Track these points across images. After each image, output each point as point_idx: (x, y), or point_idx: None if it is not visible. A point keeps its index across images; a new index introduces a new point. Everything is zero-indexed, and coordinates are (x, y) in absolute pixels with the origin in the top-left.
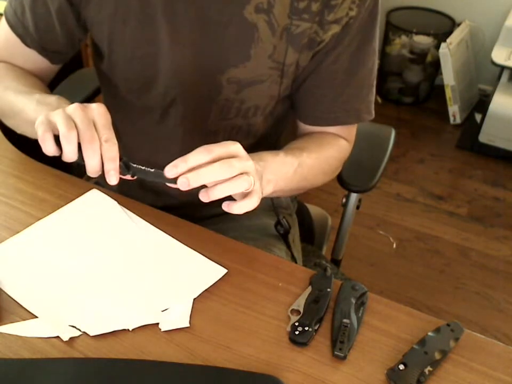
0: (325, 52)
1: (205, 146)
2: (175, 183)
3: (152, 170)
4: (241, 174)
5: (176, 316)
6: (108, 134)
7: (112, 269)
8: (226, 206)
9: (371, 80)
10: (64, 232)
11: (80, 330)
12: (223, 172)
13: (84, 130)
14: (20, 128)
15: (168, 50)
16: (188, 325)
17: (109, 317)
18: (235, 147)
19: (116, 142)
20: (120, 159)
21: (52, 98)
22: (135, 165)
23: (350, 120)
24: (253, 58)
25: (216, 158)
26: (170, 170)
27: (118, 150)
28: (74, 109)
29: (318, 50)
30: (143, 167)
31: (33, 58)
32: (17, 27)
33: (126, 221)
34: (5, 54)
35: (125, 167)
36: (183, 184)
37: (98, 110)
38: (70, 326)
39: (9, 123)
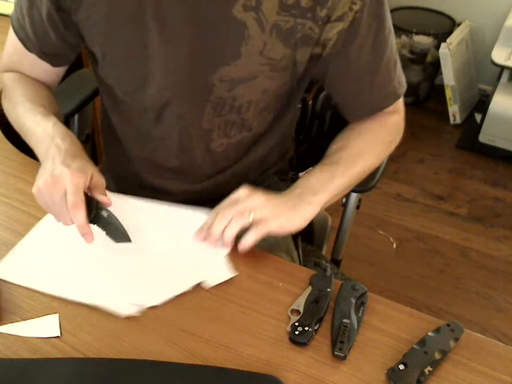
0: (344, 49)
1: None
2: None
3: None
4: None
5: (216, 270)
6: (74, 200)
7: (141, 249)
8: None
9: (395, 57)
10: None
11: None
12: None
13: (56, 208)
14: (29, 145)
15: (159, 51)
16: (232, 275)
17: (159, 287)
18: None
19: (82, 206)
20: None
21: (48, 127)
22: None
23: (389, 102)
24: (244, 56)
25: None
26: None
27: (83, 214)
28: (49, 186)
29: (330, 51)
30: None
31: (36, 63)
32: (20, 32)
33: (147, 204)
34: (14, 60)
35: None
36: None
37: (68, 180)
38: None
39: (23, 137)
